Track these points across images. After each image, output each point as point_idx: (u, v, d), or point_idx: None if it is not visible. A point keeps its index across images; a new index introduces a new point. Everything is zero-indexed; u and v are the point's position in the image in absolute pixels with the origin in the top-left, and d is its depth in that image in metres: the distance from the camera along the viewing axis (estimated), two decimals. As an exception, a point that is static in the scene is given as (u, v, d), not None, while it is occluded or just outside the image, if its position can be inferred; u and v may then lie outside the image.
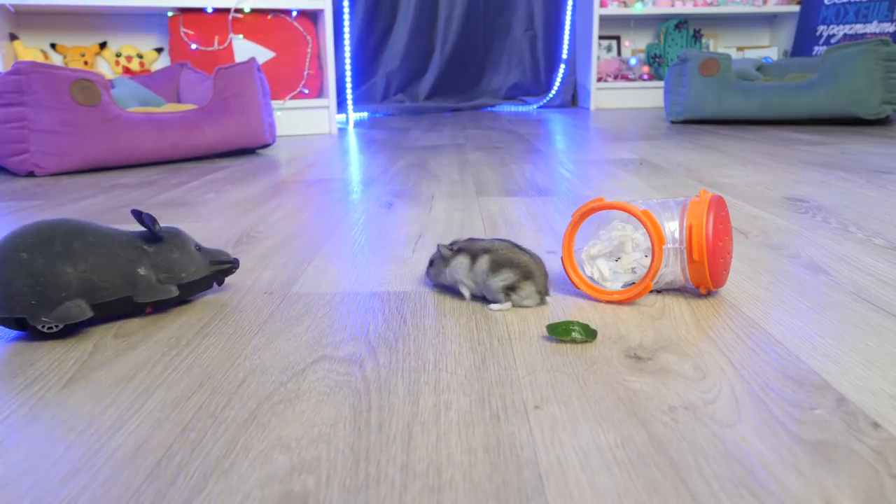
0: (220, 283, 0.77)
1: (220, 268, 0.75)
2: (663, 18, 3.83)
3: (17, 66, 1.71)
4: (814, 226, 1.01)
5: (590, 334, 0.60)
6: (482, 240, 0.73)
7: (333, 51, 2.65)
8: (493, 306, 0.69)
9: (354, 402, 0.50)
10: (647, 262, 0.73)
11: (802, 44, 3.55)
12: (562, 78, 3.88)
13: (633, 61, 3.81)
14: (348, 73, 3.00)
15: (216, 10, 2.54)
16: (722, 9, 3.67)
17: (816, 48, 3.47)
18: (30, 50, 2.43)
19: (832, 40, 3.40)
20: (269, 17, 2.61)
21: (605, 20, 3.74)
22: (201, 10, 2.53)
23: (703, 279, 0.69)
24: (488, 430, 0.46)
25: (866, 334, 0.60)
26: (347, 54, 2.99)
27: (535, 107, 3.88)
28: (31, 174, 1.75)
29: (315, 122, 2.68)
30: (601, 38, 3.82)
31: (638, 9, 3.63)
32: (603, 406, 0.49)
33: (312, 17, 2.71)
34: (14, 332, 0.66)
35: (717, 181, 1.41)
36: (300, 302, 0.73)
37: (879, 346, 0.58)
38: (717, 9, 3.66)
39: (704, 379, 0.52)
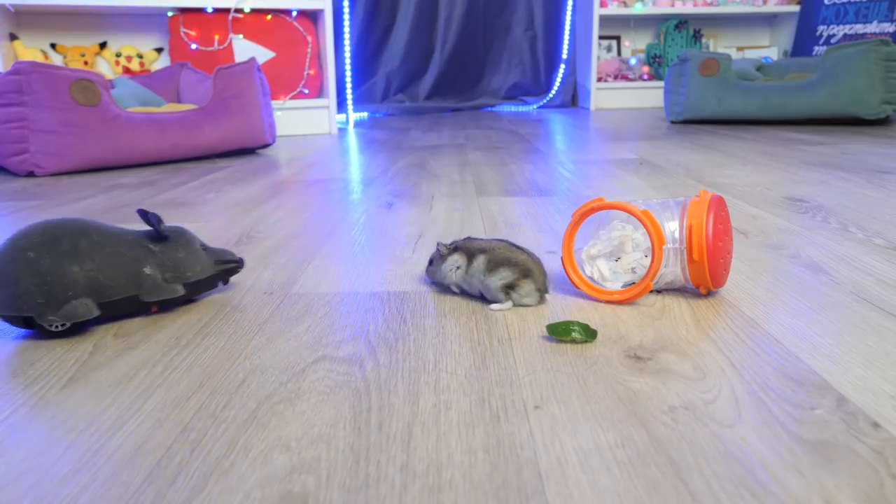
0: (226, 282, 0.77)
1: (226, 267, 0.75)
2: (663, 18, 3.83)
3: (17, 66, 1.71)
4: (814, 226, 1.01)
5: (590, 334, 0.60)
6: (480, 239, 0.73)
7: (333, 51, 2.65)
8: (493, 306, 0.69)
9: (354, 402, 0.50)
10: (647, 262, 0.73)
11: (802, 44, 3.55)
12: (562, 78, 3.88)
13: (633, 61, 3.81)
14: (348, 73, 3.00)
15: (216, 10, 2.54)
16: (722, 9, 3.67)
17: (816, 48, 3.47)
18: (30, 50, 2.43)
19: (832, 40, 3.40)
20: (268, 17, 2.61)
21: (605, 20, 3.74)
22: (201, 10, 2.53)
23: (703, 279, 0.69)
24: (488, 430, 0.46)
25: (866, 334, 0.60)
26: (347, 54, 2.99)
27: (535, 107, 3.88)
28: (31, 174, 1.75)
29: (315, 122, 2.68)
30: (601, 38, 3.82)
31: (638, 9, 3.63)
32: (603, 406, 0.49)
33: (312, 17, 2.71)
34: (14, 332, 0.66)
35: (717, 181, 1.41)
36: (300, 302, 0.73)
37: (879, 346, 0.58)
38: (717, 9, 3.66)
39: (704, 379, 0.52)
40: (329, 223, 1.11)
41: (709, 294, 0.72)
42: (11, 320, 0.63)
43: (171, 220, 1.17)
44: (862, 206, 1.13)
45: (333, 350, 0.60)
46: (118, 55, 2.59)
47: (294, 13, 2.64)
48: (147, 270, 0.68)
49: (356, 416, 0.48)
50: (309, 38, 2.67)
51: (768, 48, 3.92)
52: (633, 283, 0.73)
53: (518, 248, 0.71)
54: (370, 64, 3.75)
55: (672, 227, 0.69)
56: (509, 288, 0.68)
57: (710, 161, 1.70)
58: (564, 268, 0.73)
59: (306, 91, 2.70)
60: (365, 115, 3.55)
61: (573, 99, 3.95)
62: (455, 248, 0.73)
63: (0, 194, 1.49)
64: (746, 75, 2.73)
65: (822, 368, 0.54)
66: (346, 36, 3.00)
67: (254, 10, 2.58)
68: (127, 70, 2.60)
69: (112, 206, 1.32)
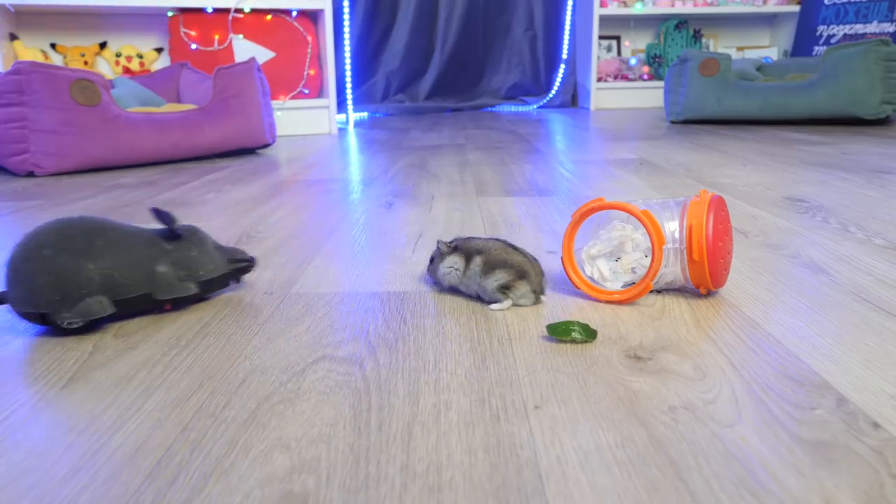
0: (238, 280, 0.78)
1: (238, 266, 0.76)
2: (663, 18, 3.83)
3: (17, 66, 1.71)
4: (814, 226, 1.01)
5: (590, 334, 0.60)
6: (478, 239, 0.73)
7: (333, 51, 2.65)
8: (493, 306, 0.69)
9: (354, 402, 0.50)
10: (647, 262, 0.73)
11: (802, 44, 3.55)
12: (562, 78, 3.88)
13: (633, 61, 3.81)
14: (348, 73, 3.00)
15: (216, 10, 2.54)
16: (722, 9, 3.67)
17: (816, 48, 3.47)
18: (30, 50, 2.43)
19: (832, 40, 3.40)
20: (268, 17, 2.61)
21: (605, 20, 3.74)
22: (201, 10, 2.53)
23: (703, 279, 0.69)
24: (488, 430, 0.46)
25: (866, 334, 0.60)
26: (347, 54, 2.99)
27: (535, 107, 3.88)
28: (31, 174, 1.75)
29: (315, 122, 2.68)
30: (601, 38, 3.82)
31: (638, 9, 3.63)
32: (603, 406, 0.49)
33: (312, 17, 2.71)
34: (15, 332, 0.66)
35: (717, 181, 1.41)
36: (300, 302, 0.73)
37: (879, 346, 0.58)
38: (717, 9, 3.66)
39: (704, 379, 0.52)
40: (329, 223, 1.11)
41: (709, 294, 0.72)
42: (28, 317, 0.64)
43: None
44: (862, 206, 1.13)
45: (333, 350, 0.60)
46: (118, 55, 2.59)
47: (294, 13, 2.64)
48: (161, 269, 0.69)
49: (356, 416, 0.48)
50: (309, 38, 2.67)
51: (768, 48, 3.92)
52: (633, 283, 0.73)
53: (515, 248, 0.71)
54: (370, 64, 3.75)
55: (672, 227, 0.69)
56: (505, 288, 0.68)
57: (710, 161, 1.70)
58: (564, 268, 0.73)
59: (306, 91, 2.70)
60: (365, 115, 3.55)
61: (573, 99, 3.95)
62: (455, 247, 0.73)
63: (0, 194, 1.49)
64: (746, 75, 2.73)
65: (822, 368, 0.54)
66: (346, 36, 3.00)
67: (254, 10, 2.58)
68: (127, 70, 2.60)
69: (112, 206, 1.32)
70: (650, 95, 3.71)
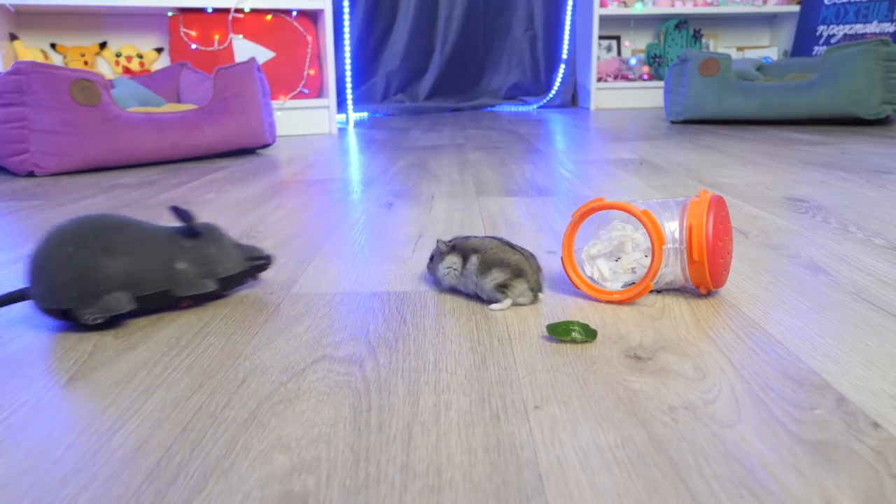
0: (255, 278, 0.78)
1: (255, 263, 0.76)
2: (663, 18, 3.83)
3: (17, 66, 1.71)
4: (814, 226, 1.01)
5: (590, 334, 0.60)
6: (476, 238, 0.73)
7: (333, 51, 2.65)
8: (493, 306, 0.69)
9: (354, 402, 0.50)
10: (647, 262, 0.73)
11: (802, 44, 3.55)
12: (562, 78, 3.89)
13: (633, 61, 3.81)
14: (348, 73, 3.00)
15: (216, 10, 2.54)
16: (722, 9, 3.67)
17: (816, 48, 3.47)
18: (30, 50, 2.43)
19: (832, 40, 3.40)
20: (268, 17, 2.61)
21: (605, 20, 3.74)
22: (201, 10, 2.53)
23: (703, 279, 0.69)
24: (488, 430, 0.46)
25: (866, 334, 0.60)
26: (347, 54, 2.99)
27: (535, 107, 3.88)
28: (31, 174, 1.75)
29: (315, 122, 2.68)
30: (601, 38, 3.82)
31: (638, 9, 3.63)
32: (603, 406, 0.49)
33: (312, 17, 2.71)
34: (14, 332, 0.66)
35: (717, 181, 1.41)
36: (300, 302, 0.73)
37: (879, 346, 0.58)
38: (717, 9, 3.66)
39: (704, 379, 0.52)
40: (329, 223, 1.11)
41: (709, 294, 0.72)
42: (51, 313, 0.65)
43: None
44: (862, 206, 1.13)
45: (333, 350, 0.60)
46: (118, 55, 2.59)
47: (294, 13, 2.64)
48: (180, 266, 0.69)
49: (356, 416, 0.48)
50: (309, 38, 2.67)
51: (768, 48, 3.92)
52: (633, 283, 0.73)
53: (512, 247, 0.71)
54: (370, 64, 3.75)
55: (672, 227, 0.69)
56: (503, 287, 0.68)
57: (710, 161, 1.70)
58: (564, 268, 0.73)
59: (306, 91, 2.70)
60: (365, 115, 3.55)
61: (573, 99, 3.95)
62: (453, 246, 0.73)
63: (0, 194, 1.49)
64: (746, 75, 2.73)
65: (822, 368, 0.54)
66: (346, 36, 3.00)
67: (254, 10, 2.58)
68: (127, 70, 2.60)
69: (112, 206, 1.32)
70: (650, 95, 3.71)
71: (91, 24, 2.58)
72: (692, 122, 2.73)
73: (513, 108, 3.88)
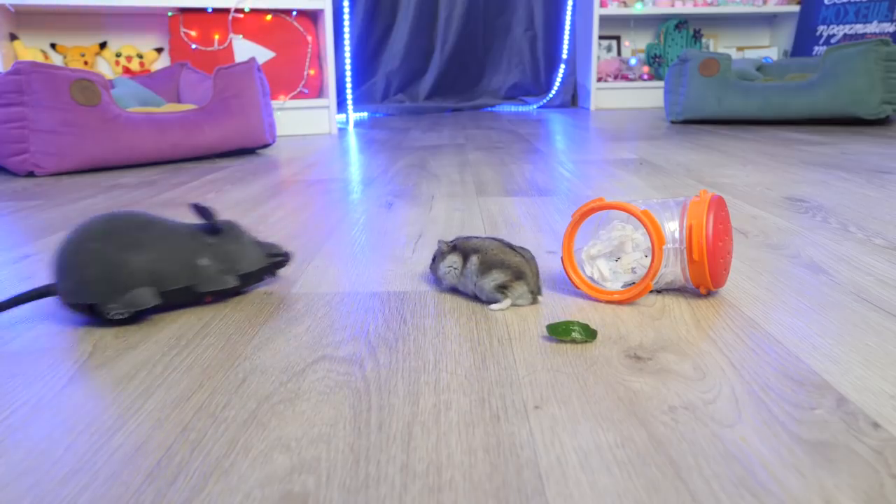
0: (273, 274, 0.79)
1: (275, 260, 0.77)
2: (663, 18, 3.83)
3: (17, 66, 1.71)
4: (814, 226, 1.01)
5: (590, 334, 0.60)
6: (477, 238, 0.73)
7: (333, 51, 2.65)
8: (493, 306, 0.69)
9: (354, 402, 0.50)
10: (647, 262, 0.73)
11: (802, 44, 3.55)
12: (562, 78, 3.89)
13: (633, 61, 3.81)
14: (348, 73, 3.00)
15: (216, 10, 2.54)
16: (722, 9, 3.67)
17: (816, 48, 3.47)
18: (30, 50, 2.43)
19: (832, 40, 3.40)
20: (268, 17, 2.61)
21: (605, 20, 3.74)
22: (201, 10, 2.53)
23: (703, 279, 0.69)
24: (488, 430, 0.46)
25: (866, 334, 0.60)
26: (347, 54, 2.99)
27: (535, 107, 3.88)
28: (31, 174, 1.75)
29: (315, 122, 2.68)
30: (601, 38, 3.82)
31: (638, 9, 3.63)
32: (603, 406, 0.49)
33: (312, 17, 2.71)
34: (14, 332, 0.66)
35: (717, 181, 1.41)
36: (300, 302, 0.73)
37: (879, 346, 0.58)
38: (717, 9, 3.66)
39: (704, 379, 0.52)
40: (329, 223, 1.11)
41: (709, 294, 0.72)
42: (77, 308, 0.66)
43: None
44: (862, 206, 1.13)
45: (333, 350, 0.60)
46: (118, 55, 2.59)
47: (294, 13, 2.64)
48: (203, 262, 0.70)
49: (356, 416, 0.48)
50: (309, 38, 2.67)
51: (768, 48, 3.92)
52: (633, 283, 0.73)
53: (512, 248, 0.71)
54: (370, 64, 3.75)
55: (672, 227, 0.69)
56: (503, 288, 0.68)
57: (710, 161, 1.70)
58: (564, 268, 0.73)
59: (306, 91, 2.70)
60: (365, 115, 3.55)
61: (573, 99, 3.95)
62: (454, 246, 0.73)
63: (0, 194, 1.49)
64: (746, 75, 2.73)
65: (822, 368, 0.54)
66: (346, 36, 3.00)
67: (254, 10, 2.58)
68: (127, 70, 2.60)
69: (112, 206, 1.32)
70: (650, 95, 3.71)
71: (91, 24, 2.58)
72: (692, 122, 2.73)
73: (513, 108, 3.88)
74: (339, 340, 0.62)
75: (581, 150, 2.00)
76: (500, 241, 0.72)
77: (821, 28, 3.47)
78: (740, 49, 3.93)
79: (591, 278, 0.75)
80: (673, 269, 0.70)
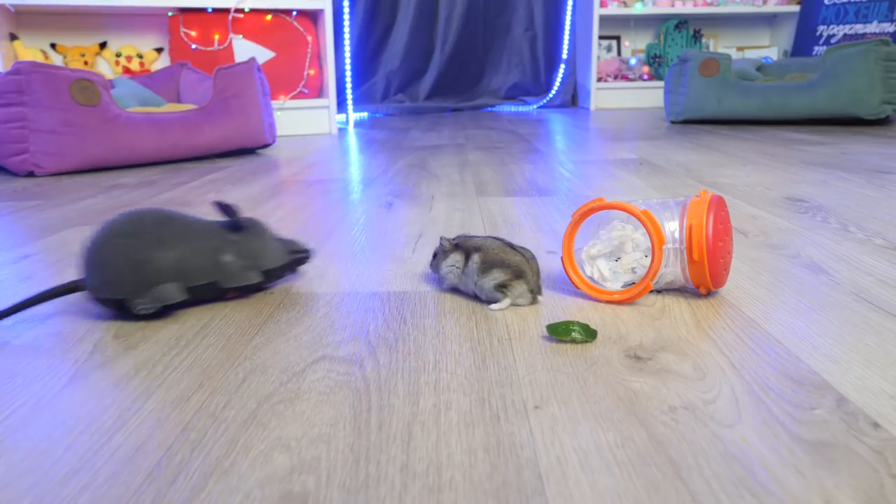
0: (294, 271, 0.80)
1: (296, 256, 0.78)
2: (663, 18, 3.83)
3: (17, 66, 1.71)
4: (814, 226, 1.01)
5: (590, 334, 0.60)
6: (478, 237, 0.73)
7: (333, 51, 2.65)
8: (493, 306, 0.69)
9: (354, 402, 0.50)
10: (647, 262, 0.73)
11: (802, 44, 3.55)
12: (562, 78, 3.89)
13: (633, 61, 3.81)
14: (348, 73, 3.00)
15: (216, 10, 2.54)
16: (722, 9, 3.67)
17: (816, 48, 3.47)
18: (30, 50, 2.43)
19: (832, 40, 3.40)
20: (268, 17, 2.61)
21: (605, 20, 3.74)
22: (201, 10, 2.53)
23: (703, 279, 0.69)
24: (488, 430, 0.46)
25: (866, 334, 0.60)
26: (347, 54, 2.99)
27: (535, 107, 3.88)
28: (31, 174, 1.75)
29: (315, 122, 2.68)
30: (601, 38, 3.82)
31: (638, 9, 3.63)
32: (603, 406, 0.49)
33: (312, 17, 2.71)
34: (14, 332, 0.66)
35: (717, 181, 1.41)
36: (300, 302, 0.73)
37: (879, 346, 0.58)
38: (717, 9, 3.66)
39: (704, 379, 0.52)
40: (329, 223, 1.11)
41: (709, 294, 0.72)
42: (105, 303, 0.67)
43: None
44: (862, 206, 1.13)
45: (333, 350, 0.60)
46: (118, 55, 2.59)
47: (294, 13, 2.64)
48: (226, 258, 0.71)
49: (356, 416, 0.48)
50: (309, 38, 2.67)
51: (768, 48, 3.92)
52: (633, 283, 0.73)
53: (512, 247, 0.71)
54: (370, 64, 3.75)
55: (672, 227, 0.69)
56: (502, 287, 0.68)
57: (710, 161, 1.70)
58: (564, 268, 0.73)
59: (306, 91, 2.70)
60: (365, 115, 3.55)
61: (573, 99, 3.95)
62: (456, 245, 0.73)
63: (0, 194, 1.49)
64: (746, 75, 2.73)
65: (822, 368, 0.54)
66: (346, 36, 3.00)
67: (254, 10, 2.58)
68: (127, 70, 2.60)
69: (112, 206, 1.32)
70: (650, 95, 3.71)
71: (91, 24, 2.58)
72: (692, 122, 2.73)
73: (513, 108, 3.88)
74: (339, 340, 0.62)
75: (581, 150, 2.00)
76: (501, 240, 0.72)
77: (821, 28, 3.47)
78: (740, 49, 3.93)
79: (591, 278, 0.75)
80: (673, 269, 0.70)
